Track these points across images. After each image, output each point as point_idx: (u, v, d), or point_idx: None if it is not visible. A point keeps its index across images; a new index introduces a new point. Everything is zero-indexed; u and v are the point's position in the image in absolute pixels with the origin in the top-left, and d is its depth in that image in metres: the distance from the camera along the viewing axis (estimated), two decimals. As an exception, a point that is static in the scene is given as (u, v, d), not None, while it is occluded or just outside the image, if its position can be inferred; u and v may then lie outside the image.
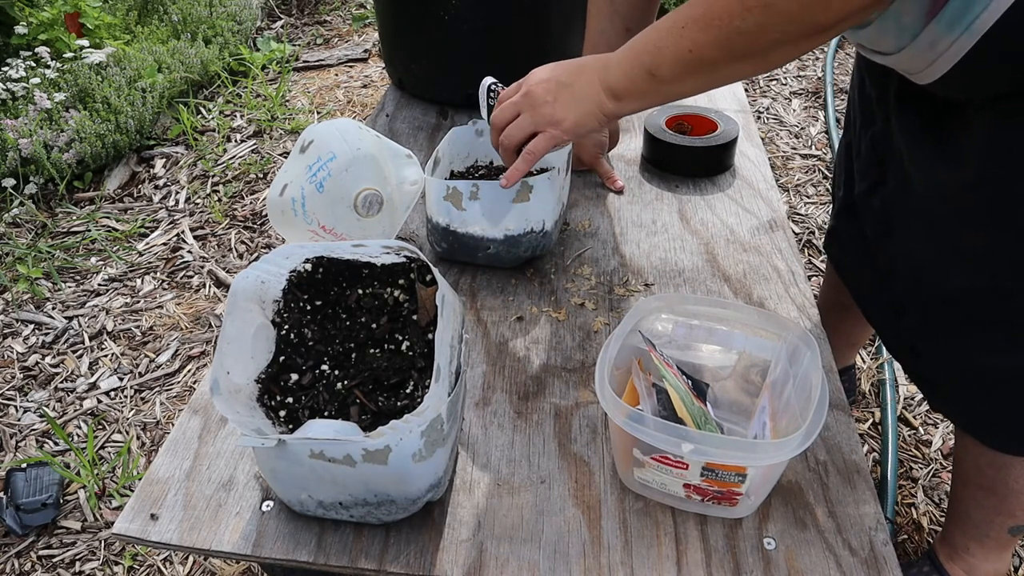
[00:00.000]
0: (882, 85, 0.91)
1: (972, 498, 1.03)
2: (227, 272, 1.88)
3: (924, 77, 0.74)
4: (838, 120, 2.41)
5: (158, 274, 1.89)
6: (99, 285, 1.86)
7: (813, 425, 0.66)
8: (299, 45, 3.02)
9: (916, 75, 0.75)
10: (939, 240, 0.84)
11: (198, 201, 2.15)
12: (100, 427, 1.51)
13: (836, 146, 2.24)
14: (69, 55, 2.32)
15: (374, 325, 0.79)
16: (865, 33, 0.77)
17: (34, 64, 2.31)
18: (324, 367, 0.77)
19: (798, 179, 2.21)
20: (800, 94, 2.64)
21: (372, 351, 0.78)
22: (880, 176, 0.96)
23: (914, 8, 0.68)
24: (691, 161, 1.27)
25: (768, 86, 2.69)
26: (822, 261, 1.91)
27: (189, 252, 1.96)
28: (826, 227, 1.30)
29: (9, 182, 2.05)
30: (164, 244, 1.99)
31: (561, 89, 0.83)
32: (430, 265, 0.74)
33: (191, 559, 1.27)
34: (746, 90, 2.63)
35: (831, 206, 1.21)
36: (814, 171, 2.24)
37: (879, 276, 0.99)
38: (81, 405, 1.56)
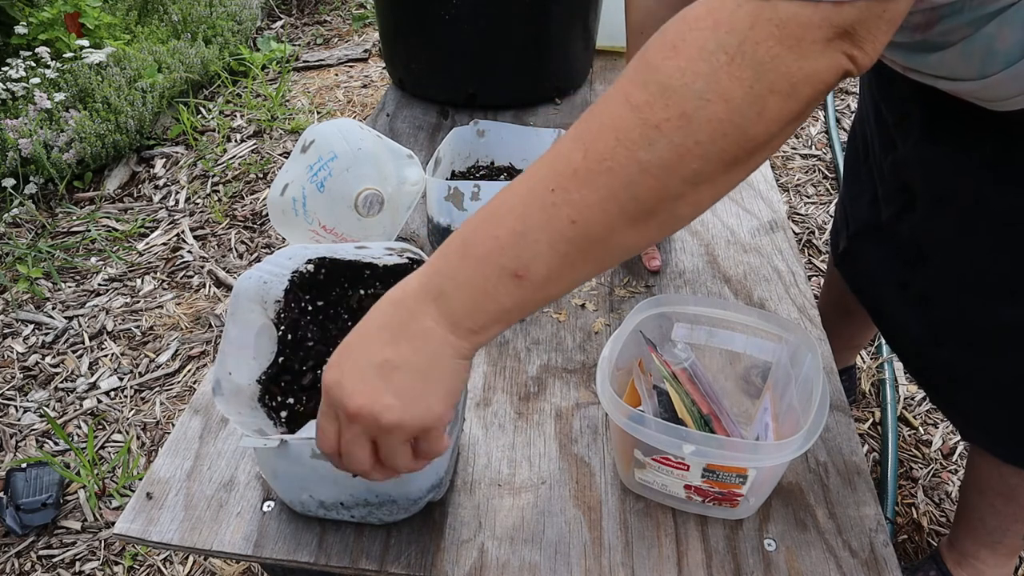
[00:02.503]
0: (903, 111, 0.87)
1: (989, 506, 1.02)
2: (227, 272, 1.88)
3: (1009, 104, 0.70)
4: (838, 120, 2.41)
5: (158, 274, 1.89)
6: (99, 285, 1.86)
7: (814, 427, 0.66)
8: (299, 45, 3.02)
9: (997, 103, 0.71)
10: (988, 268, 0.81)
11: (198, 201, 2.15)
12: (100, 427, 1.51)
13: (836, 146, 2.25)
14: (69, 55, 2.32)
15: (375, 326, 0.79)
16: (937, 58, 0.71)
17: (34, 64, 2.31)
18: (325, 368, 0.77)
19: (798, 179, 2.21)
20: (800, 94, 2.64)
21: (373, 352, 0.78)
22: (906, 202, 0.92)
23: (1012, 35, 0.64)
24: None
25: (768, 86, 2.69)
26: (822, 261, 1.91)
27: (189, 252, 1.96)
28: (833, 239, 1.22)
29: (9, 182, 2.05)
30: (164, 244, 1.99)
31: (392, 376, 0.52)
32: (431, 266, 0.74)
33: (191, 559, 1.27)
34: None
35: (845, 224, 1.14)
36: (814, 171, 2.24)
37: (909, 304, 0.95)
38: (81, 405, 1.56)
